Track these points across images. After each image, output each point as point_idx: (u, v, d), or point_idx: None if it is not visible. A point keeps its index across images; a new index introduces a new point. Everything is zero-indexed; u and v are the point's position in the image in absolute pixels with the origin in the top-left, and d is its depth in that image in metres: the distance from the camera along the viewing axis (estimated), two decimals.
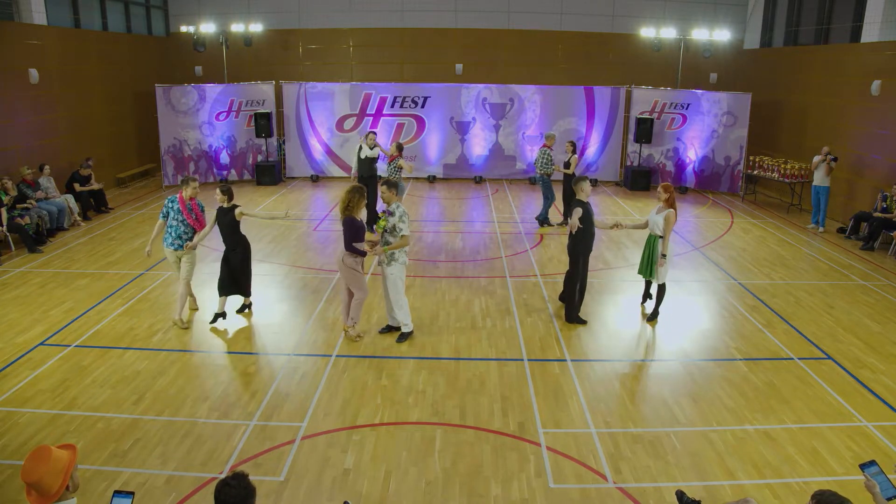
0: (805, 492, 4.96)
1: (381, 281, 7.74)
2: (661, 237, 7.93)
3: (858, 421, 6.03)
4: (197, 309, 8.44)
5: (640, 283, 9.66)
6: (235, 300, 8.43)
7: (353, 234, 7.21)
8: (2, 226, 10.56)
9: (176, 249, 7.85)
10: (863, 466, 3.26)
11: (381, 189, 7.24)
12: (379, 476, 5.16)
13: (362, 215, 7.46)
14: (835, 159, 12.51)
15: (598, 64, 18.65)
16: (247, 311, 8.38)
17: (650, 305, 8.49)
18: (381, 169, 12.91)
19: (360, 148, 12.14)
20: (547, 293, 9.18)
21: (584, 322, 8.14)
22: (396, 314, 7.57)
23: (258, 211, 8.68)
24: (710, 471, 5.28)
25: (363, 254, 7.32)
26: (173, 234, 7.82)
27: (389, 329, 7.76)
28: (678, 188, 16.74)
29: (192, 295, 8.41)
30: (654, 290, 8.35)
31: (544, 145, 12.72)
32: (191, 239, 7.87)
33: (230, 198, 7.88)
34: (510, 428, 5.85)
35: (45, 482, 2.96)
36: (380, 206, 10.13)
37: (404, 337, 7.60)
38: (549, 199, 12.81)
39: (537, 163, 12.71)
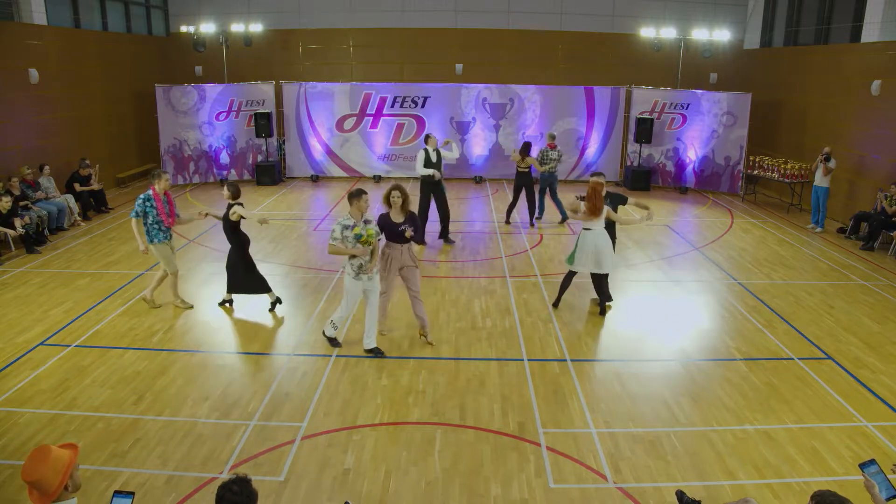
0: (805, 492, 4.96)
1: (367, 294, 7.13)
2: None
3: (858, 421, 6.03)
4: (191, 307, 8.49)
5: (640, 283, 9.68)
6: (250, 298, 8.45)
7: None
8: (12, 228, 10.52)
9: (170, 240, 8.27)
10: (862, 466, 3.26)
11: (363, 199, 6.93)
12: (379, 476, 5.16)
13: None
14: (827, 159, 12.48)
15: (598, 64, 18.63)
16: (276, 308, 8.43)
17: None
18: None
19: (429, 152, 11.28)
20: (547, 293, 9.18)
21: (611, 298, 8.63)
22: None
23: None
24: (710, 471, 5.27)
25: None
26: (160, 227, 8.11)
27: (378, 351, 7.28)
28: (678, 188, 16.77)
29: (178, 296, 8.54)
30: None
31: (549, 146, 12.82)
32: (167, 229, 8.23)
33: (232, 196, 8.03)
34: (510, 428, 5.84)
35: (45, 481, 2.96)
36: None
37: (335, 343, 7.34)
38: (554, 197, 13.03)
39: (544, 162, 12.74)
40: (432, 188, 11.27)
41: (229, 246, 8.28)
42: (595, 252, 8.11)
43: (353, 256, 6.88)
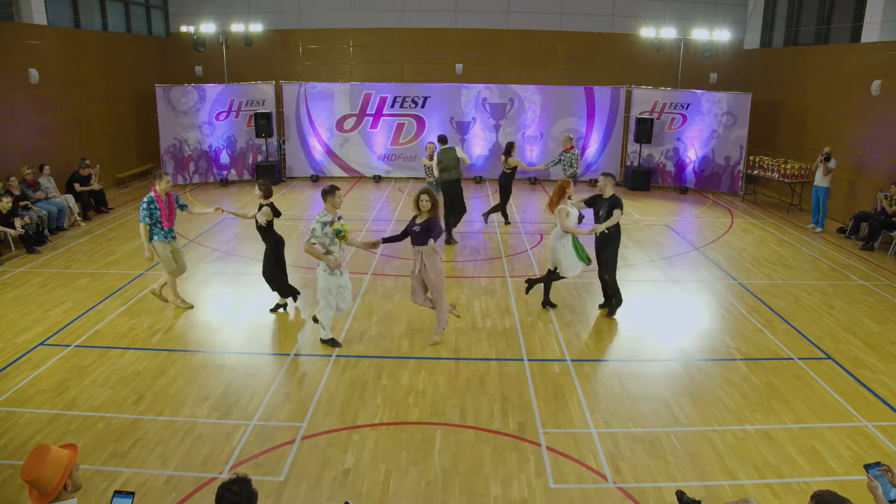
0: (805, 492, 4.96)
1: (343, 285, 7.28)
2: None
3: (858, 421, 6.03)
4: (191, 307, 8.49)
5: (640, 283, 9.67)
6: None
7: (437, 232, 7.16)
8: (12, 227, 10.52)
9: (173, 240, 8.25)
10: (867, 467, 3.26)
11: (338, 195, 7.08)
12: (379, 476, 5.16)
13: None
14: (828, 159, 12.48)
15: (598, 64, 18.63)
16: (281, 310, 8.42)
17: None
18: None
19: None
20: None
21: (612, 304, 8.49)
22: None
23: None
24: (710, 471, 5.27)
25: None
26: (160, 227, 8.10)
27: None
28: (678, 188, 16.77)
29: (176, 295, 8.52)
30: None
31: (571, 148, 12.65)
32: (171, 229, 8.20)
33: (264, 195, 8.09)
34: (510, 428, 5.84)
35: (43, 480, 2.97)
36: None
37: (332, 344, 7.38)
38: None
39: (567, 162, 12.64)
40: (451, 187, 11.35)
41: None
42: (552, 251, 8.21)
43: (327, 253, 6.99)
